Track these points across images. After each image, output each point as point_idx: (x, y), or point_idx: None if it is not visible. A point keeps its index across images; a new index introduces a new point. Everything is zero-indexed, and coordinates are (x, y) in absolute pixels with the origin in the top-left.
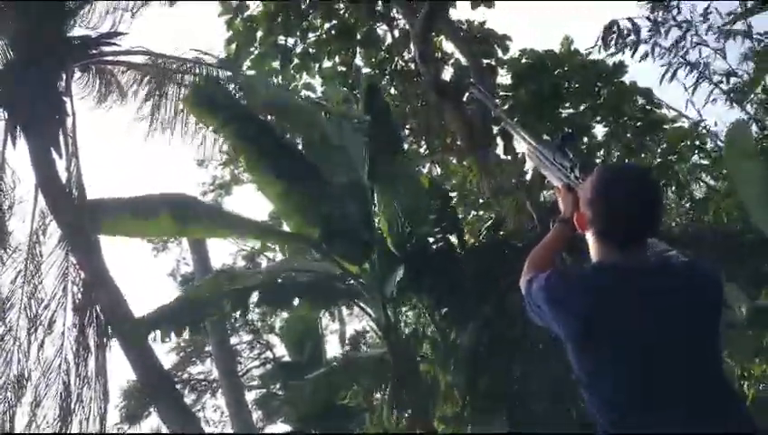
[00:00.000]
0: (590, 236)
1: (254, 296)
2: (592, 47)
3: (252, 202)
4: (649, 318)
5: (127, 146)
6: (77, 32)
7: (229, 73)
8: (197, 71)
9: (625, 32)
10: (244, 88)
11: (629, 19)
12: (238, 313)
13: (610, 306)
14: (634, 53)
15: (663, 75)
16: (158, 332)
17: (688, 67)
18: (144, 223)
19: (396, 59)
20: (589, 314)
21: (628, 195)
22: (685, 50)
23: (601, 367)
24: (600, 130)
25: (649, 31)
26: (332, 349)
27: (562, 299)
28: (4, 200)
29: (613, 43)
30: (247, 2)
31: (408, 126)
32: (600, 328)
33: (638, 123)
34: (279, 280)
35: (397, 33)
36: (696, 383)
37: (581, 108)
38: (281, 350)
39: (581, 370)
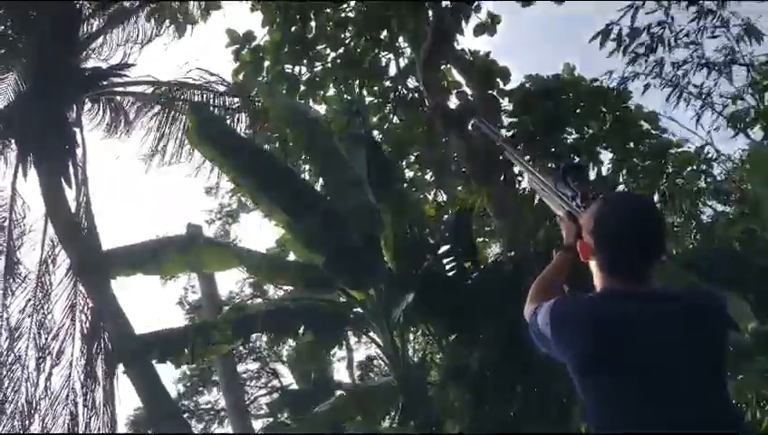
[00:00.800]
0: (593, 265)
1: (260, 325)
2: (594, 78)
3: (259, 229)
4: (653, 346)
5: (136, 175)
6: (89, 64)
7: (237, 100)
8: (205, 99)
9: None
10: (253, 108)
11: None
12: (241, 340)
13: (614, 335)
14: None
15: (668, 96)
16: (159, 353)
17: (692, 96)
18: (155, 267)
19: (399, 88)
20: (592, 342)
21: (631, 224)
22: (686, 79)
23: (604, 394)
24: (605, 156)
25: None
26: (340, 376)
27: (566, 327)
28: (14, 229)
29: (614, 44)
30: (254, 33)
31: (412, 154)
32: (604, 356)
33: (643, 148)
34: (285, 310)
35: (402, 61)
36: (699, 410)
37: (587, 133)
38: (288, 378)
39: (586, 396)
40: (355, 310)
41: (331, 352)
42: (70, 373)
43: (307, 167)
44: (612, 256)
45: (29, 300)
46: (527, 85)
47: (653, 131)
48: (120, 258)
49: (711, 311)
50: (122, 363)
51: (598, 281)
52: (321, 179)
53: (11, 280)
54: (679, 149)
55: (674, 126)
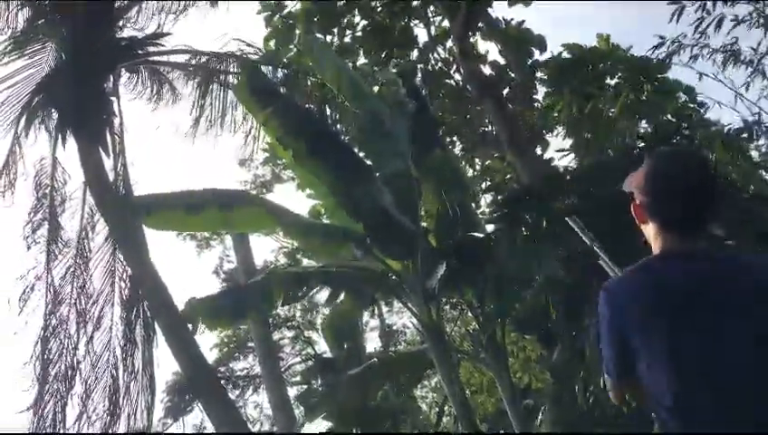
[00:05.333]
0: (648, 230)
1: (301, 289)
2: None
3: (291, 200)
4: (714, 306)
5: (172, 145)
6: (125, 33)
7: (270, 68)
8: (241, 68)
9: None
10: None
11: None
12: (281, 301)
13: (671, 294)
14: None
15: (725, 64)
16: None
17: (741, 64)
18: (190, 216)
19: (429, 57)
20: (649, 301)
21: (683, 177)
22: (737, 48)
23: (661, 354)
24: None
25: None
26: (372, 346)
27: (621, 293)
28: (56, 196)
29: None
30: (286, 1)
31: (443, 124)
32: (660, 315)
33: (679, 121)
34: (323, 275)
35: (433, 30)
36: (760, 373)
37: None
38: (322, 345)
39: (641, 357)
40: (390, 278)
41: (364, 321)
42: (110, 338)
43: (349, 129)
44: (666, 211)
45: (69, 267)
46: (564, 54)
47: (690, 104)
48: (155, 206)
49: None
50: (167, 337)
51: (655, 245)
52: (364, 144)
53: (54, 246)
54: (714, 128)
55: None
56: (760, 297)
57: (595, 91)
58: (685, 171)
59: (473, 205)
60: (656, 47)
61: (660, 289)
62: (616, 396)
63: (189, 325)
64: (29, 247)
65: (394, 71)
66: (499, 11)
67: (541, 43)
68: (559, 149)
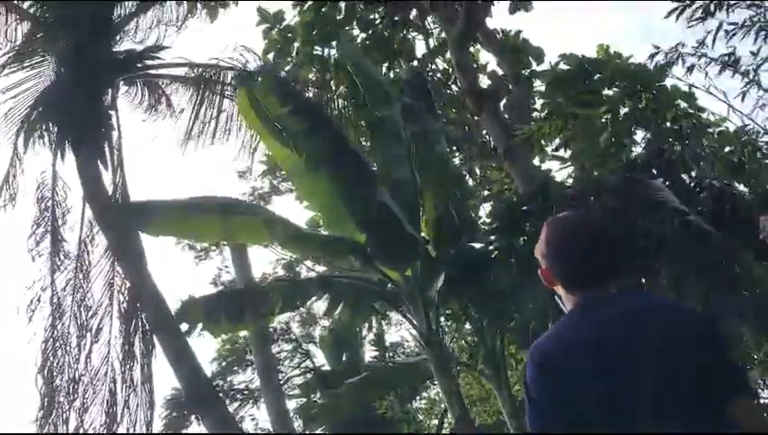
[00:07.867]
0: (558, 290)
1: (299, 298)
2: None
3: (290, 212)
4: (627, 366)
5: (171, 158)
6: (123, 46)
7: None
8: (239, 81)
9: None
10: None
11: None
12: (279, 308)
13: (580, 367)
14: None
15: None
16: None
17: (737, 74)
18: (188, 224)
19: (428, 68)
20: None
21: (573, 237)
22: (734, 58)
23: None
24: (639, 136)
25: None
26: (370, 357)
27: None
28: (57, 209)
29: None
30: (284, 14)
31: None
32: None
33: (679, 129)
34: (321, 286)
35: (432, 42)
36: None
37: (622, 112)
38: (321, 359)
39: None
40: (389, 288)
41: (362, 335)
42: (108, 351)
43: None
44: (566, 271)
45: (70, 279)
46: (561, 64)
47: (690, 111)
48: (154, 214)
49: (693, 328)
50: (165, 351)
51: (566, 302)
52: (377, 150)
53: (56, 259)
54: (718, 129)
55: (713, 102)
56: (674, 353)
57: (591, 99)
58: (575, 233)
59: (473, 214)
60: (652, 56)
61: (572, 347)
62: None
63: (184, 325)
64: (33, 259)
65: (399, 73)
66: (500, 19)
67: (538, 54)
68: (554, 156)
